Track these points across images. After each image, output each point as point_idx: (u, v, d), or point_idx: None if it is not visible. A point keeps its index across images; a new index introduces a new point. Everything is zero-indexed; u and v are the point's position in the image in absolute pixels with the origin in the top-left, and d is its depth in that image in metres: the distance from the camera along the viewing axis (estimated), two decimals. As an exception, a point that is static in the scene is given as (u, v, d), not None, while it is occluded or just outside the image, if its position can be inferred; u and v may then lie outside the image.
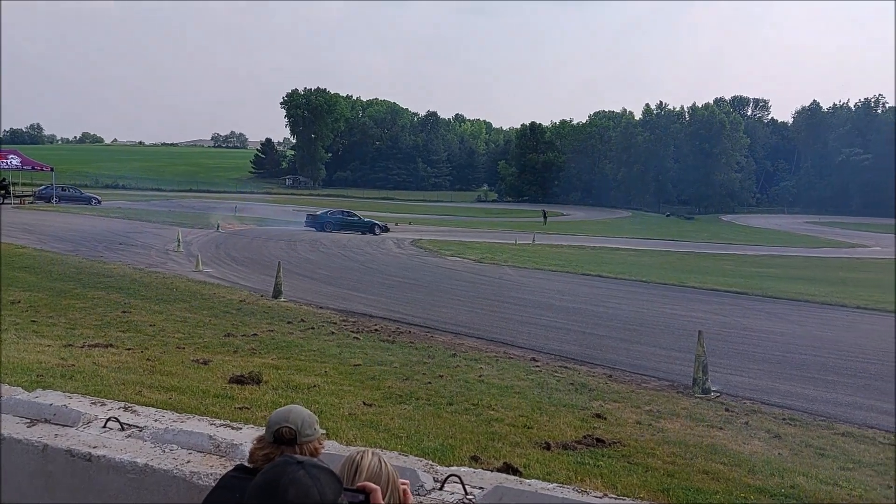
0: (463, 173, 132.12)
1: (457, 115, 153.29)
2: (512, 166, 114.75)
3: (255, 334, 11.44)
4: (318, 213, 42.68)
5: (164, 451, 3.82)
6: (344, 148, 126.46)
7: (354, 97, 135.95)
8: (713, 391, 9.28)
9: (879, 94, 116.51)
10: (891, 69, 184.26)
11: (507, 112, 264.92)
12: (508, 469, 5.12)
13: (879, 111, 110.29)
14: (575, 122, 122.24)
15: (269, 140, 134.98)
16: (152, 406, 5.08)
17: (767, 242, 53.83)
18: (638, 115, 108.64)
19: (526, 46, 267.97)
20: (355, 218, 42.47)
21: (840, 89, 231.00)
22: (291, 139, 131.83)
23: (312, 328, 12.42)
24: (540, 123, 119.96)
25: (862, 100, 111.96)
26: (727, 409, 8.28)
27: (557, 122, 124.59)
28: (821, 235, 63.78)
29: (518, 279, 22.37)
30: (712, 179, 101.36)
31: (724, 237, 57.95)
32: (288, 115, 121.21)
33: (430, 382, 8.71)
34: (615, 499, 3.15)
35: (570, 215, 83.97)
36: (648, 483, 5.20)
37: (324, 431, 2.16)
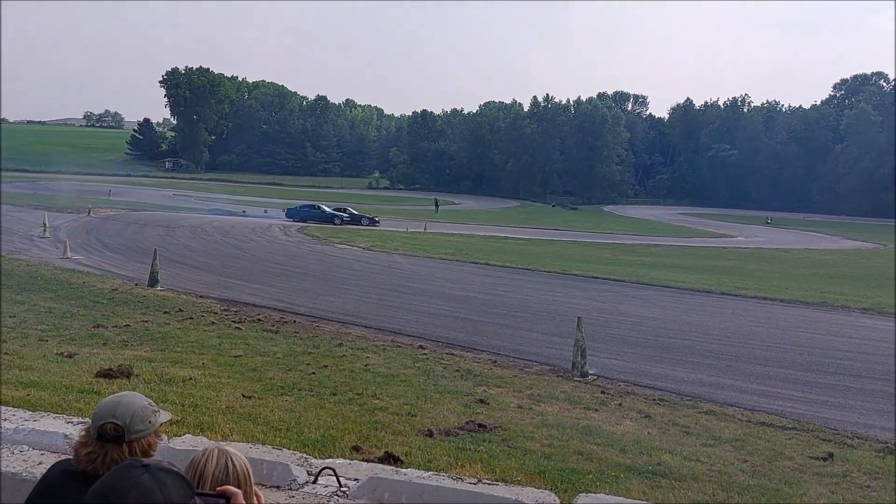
0: (354, 159, 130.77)
1: (347, 100, 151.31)
2: (403, 153, 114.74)
3: (128, 325, 10.84)
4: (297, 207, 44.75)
5: (14, 453, 3.52)
6: (229, 130, 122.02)
7: (240, 78, 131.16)
8: (591, 374, 9.66)
9: (745, 94, 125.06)
10: (755, 70, 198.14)
11: (399, 99, 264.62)
12: (389, 458, 5.10)
13: (745, 110, 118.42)
14: (466, 111, 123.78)
15: (147, 120, 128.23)
16: (6, 405, 4.68)
17: (644, 232, 56.77)
18: (526, 107, 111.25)
19: (416, 34, 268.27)
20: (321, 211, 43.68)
21: (711, 88, 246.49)
22: (172, 120, 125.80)
23: (191, 318, 11.91)
24: (431, 111, 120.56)
25: (730, 99, 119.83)
26: (603, 392, 8.63)
27: (449, 110, 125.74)
28: (691, 226, 67.94)
29: (408, 267, 22.42)
30: (595, 171, 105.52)
31: (604, 227, 60.57)
32: (168, 95, 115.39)
33: (314, 373, 8.56)
34: (489, 484, 3.20)
35: (462, 204, 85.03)
36: (526, 466, 5.33)
37: (166, 419, 1.96)
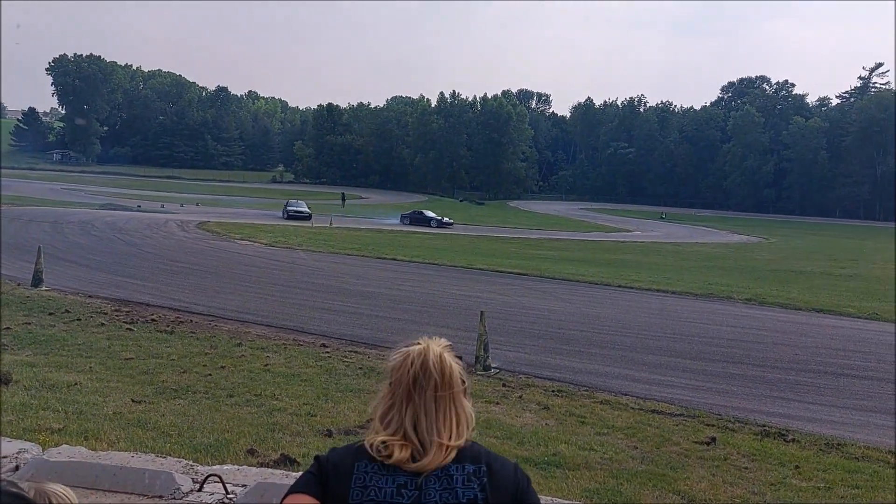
0: (257, 153, 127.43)
1: (250, 91, 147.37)
2: (309, 147, 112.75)
3: (8, 328, 10.12)
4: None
5: None
6: (122, 122, 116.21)
7: (134, 67, 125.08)
8: (493, 368, 9.82)
9: (642, 94, 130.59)
10: (651, 71, 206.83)
11: (304, 91, 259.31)
12: (286, 460, 5.00)
13: (641, 110, 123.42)
14: (373, 105, 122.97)
15: (32, 109, 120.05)
16: None
17: (548, 226, 58.29)
18: (434, 103, 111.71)
19: (320, 25, 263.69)
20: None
21: (610, 88, 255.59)
22: (60, 110, 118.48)
23: (79, 319, 11.26)
24: (337, 105, 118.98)
25: (627, 99, 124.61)
26: (504, 385, 8.79)
27: (355, 104, 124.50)
28: (592, 220, 70.32)
29: (312, 263, 22.07)
30: (501, 167, 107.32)
31: (510, 222, 61.74)
32: (55, 83, 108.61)
33: (210, 374, 8.28)
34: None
35: (369, 198, 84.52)
36: (425, 462, 5.35)
37: None
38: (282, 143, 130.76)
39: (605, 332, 13.38)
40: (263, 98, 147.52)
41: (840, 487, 5.62)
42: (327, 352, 10.21)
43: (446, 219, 51.72)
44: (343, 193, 75.79)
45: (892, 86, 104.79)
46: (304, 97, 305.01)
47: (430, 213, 53.14)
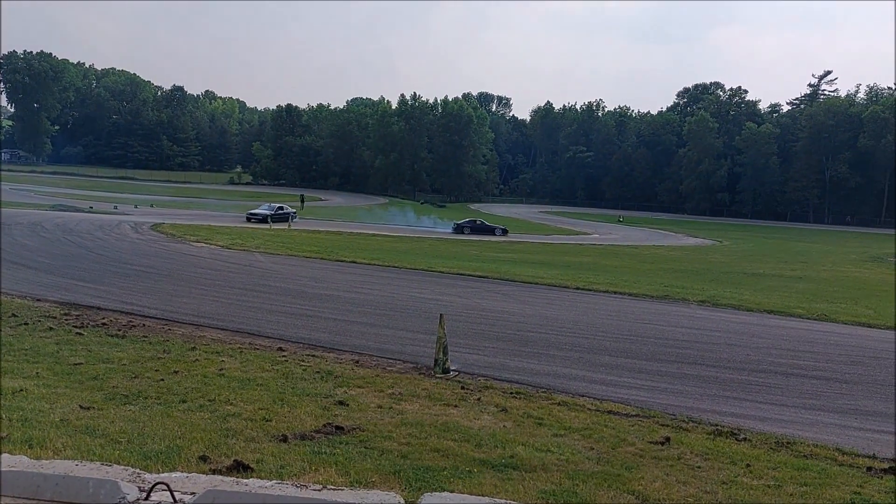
0: (214, 154, 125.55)
1: (207, 91, 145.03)
2: (267, 148, 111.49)
3: (-52, 334, 9.76)
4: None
5: None
6: (74, 121, 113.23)
7: (87, 65, 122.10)
8: (452, 370, 9.81)
9: (600, 99, 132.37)
10: (608, 76, 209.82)
11: (262, 92, 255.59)
12: (239, 466, 4.91)
13: (599, 114, 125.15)
14: (332, 106, 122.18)
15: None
16: None
17: (509, 229, 58.52)
18: (394, 105, 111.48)
19: (278, 24, 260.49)
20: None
21: (569, 93, 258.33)
22: (9, 108, 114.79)
23: (26, 324, 10.92)
24: (296, 106, 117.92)
25: (586, 103, 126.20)
26: (463, 387, 8.79)
27: (315, 105, 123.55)
28: (552, 223, 70.93)
29: (269, 266, 21.79)
30: (462, 170, 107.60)
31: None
32: (5, 81, 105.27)
33: (162, 379, 8.10)
34: (333, 489, 3.14)
35: (329, 200, 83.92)
36: (382, 466, 5.31)
37: None
38: (240, 144, 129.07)
39: (564, 333, 13.50)
40: (221, 98, 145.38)
41: (790, 485, 5.75)
42: (284, 355, 10.08)
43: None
44: (302, 195, 75.19)
45: (840, 93, 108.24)
46: (263, 97, 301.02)
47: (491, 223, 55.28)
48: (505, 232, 50.64)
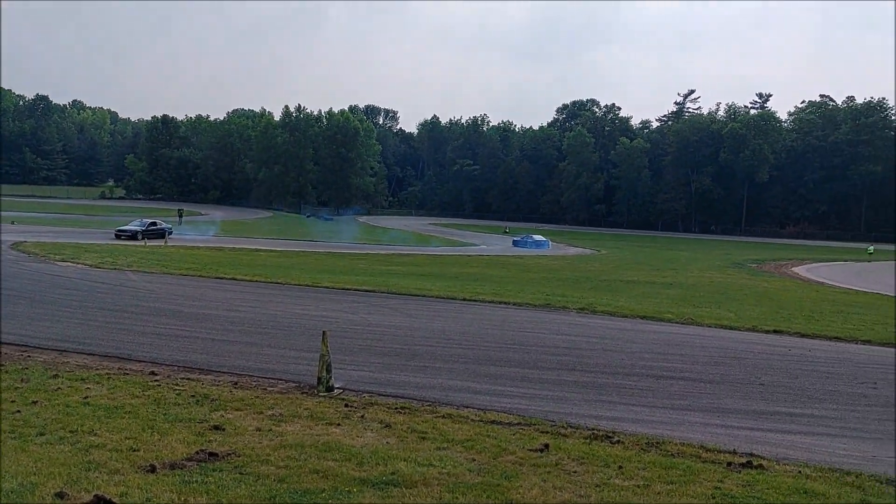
0: (83, 167, 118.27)
1: (75, 101, 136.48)
2: (142, 161, 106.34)
3: None
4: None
5: None
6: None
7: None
8: (337, 388, 9.64)
9: (485, 114, 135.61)
10: (492, 91, 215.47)
11: (136, 102, 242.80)
12: (100, 501, 4.59)
13: (485, 128, 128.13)
14: (212, 118, 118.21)
15: None
16: None
17: (397, 242, 58.67)
18: (277, 117, 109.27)
19: (153, 31, 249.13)
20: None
21: (455, 107, 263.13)
22: None
23: None
24: (173, 117, 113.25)
25: (471, 117, 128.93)
26: (347, 405, 8.65)
27: (193, 116, 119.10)
28: (440, 235, 71.71)
29: (143, 285, 20.66)
30: (349, 182, 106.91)
31: (359, 238, 61.48)
32: None
33: (19, 411, 7.48)
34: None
35: (209, 214, 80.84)
36: (257, 493, 5.13)
37: None
38: (112, 156, 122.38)
39: (450, 345, 13.60)
40: (90, 108, 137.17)
41: (657, 483, 6.04)
42: (157, 380, 9.56)
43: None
44: (180, 210, 72.12)
45: (703, 111, 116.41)
46: (137, 108, 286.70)
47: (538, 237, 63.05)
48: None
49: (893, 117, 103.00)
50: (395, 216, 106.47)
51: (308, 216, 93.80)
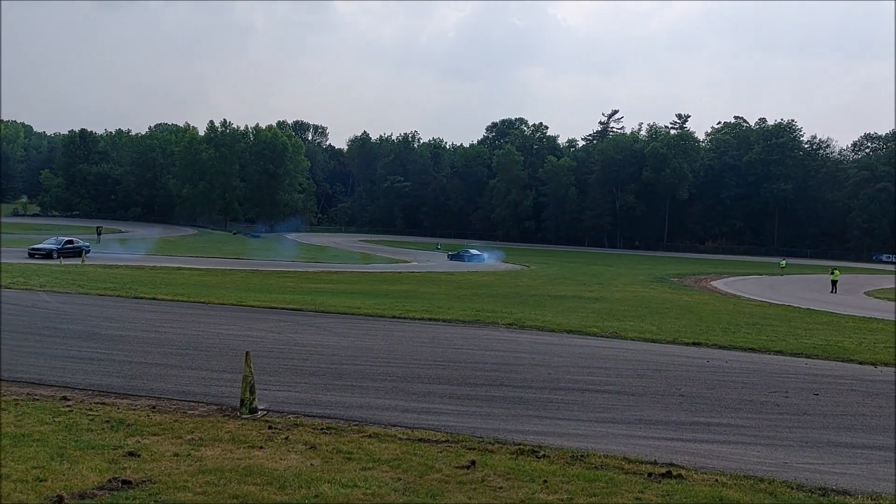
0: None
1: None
2: (58, 176, 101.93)
3: None
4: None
5: None
6: None
7: None
8: (261, 410, 9.41)
9: (415, 131, 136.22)
10: (423, 108, 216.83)
11: (52, 115, 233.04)
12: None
13: (415, 145, 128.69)
14: (133, 132, 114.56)
15: None
16: None
17: (327, 259, 58.02)
18: (202, 132, 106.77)
19: (71, 40, 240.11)
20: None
21: (385, 124, 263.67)
22: None
23: None
24: (92, 131, 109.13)
25: (402, 134, 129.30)
26: (271, 427, 8.44)
27: (113, 130, 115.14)
28: (371, 252, 71.33)
29: (57, 306, 19.71)
30: (277, 199, 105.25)
31: (287, 255, 60.50)
32: None
33: (-89, 444, 6.97)
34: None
35: (130, 232, 78.09)
36: (172, 521, 4.93)
37: None
38: (25, 172, 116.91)
39: (379, 364, 13.49)
40: (3, 122, 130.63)
41: (580, 496, 6.13)
42: (69, 405, 9.11)
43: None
44: (99, 227, 69.45)
45: (626, 130, 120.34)
46: (53, 122, 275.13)
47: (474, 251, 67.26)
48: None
49: (802, 138, 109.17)
50: (324, 233, 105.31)
51: (235, 233, 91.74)
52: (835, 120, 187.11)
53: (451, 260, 63.42)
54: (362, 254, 68.67)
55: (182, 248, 61.02)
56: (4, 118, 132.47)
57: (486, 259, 64.61)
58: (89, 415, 8.61)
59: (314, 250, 68.96)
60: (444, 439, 8.23)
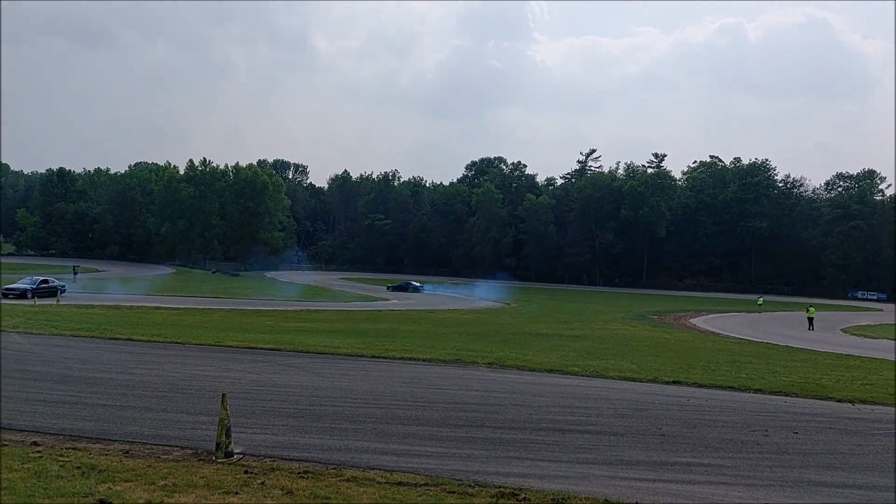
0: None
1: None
2: (35, 215, 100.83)
3: None
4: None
5: None
6: None
7: None
8: (237, 454, 9.23)
9: (396, 169, 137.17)
10: (403, 147, 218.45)
11: (30, 153, 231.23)
12: None
13: (396, 184, 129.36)
14: (112, 171, 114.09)
15: None
16: None
17: (307, 297, 57.63)
18: (182, 170, 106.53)
19: (51, 78, 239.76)
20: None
21: (365, 162, 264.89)
22: None
23: None
24: (70, 170, 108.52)
25: (382, 173, 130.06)
26: (247, 472, 8.28)
27: (92, 169, 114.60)
28: (351, 290, 71.03)
29: (29, 348, 19.32)
30: (257, 237, 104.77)
31: (267, 293, 60.03)
32: None
33: None
34: None
35: (107, 271, 77.16)
36: (142, 574, 4.78)
37: None
38: (1, 210, 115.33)
39: (358, 405, 13.33)
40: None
41: (561, 541, 6.04)
42: (39, 451, 8.88)
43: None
44: (75, 266, 68.62)
45: (604, 169, 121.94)
46: (30, 160, 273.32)
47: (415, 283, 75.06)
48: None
49: (776, 177, 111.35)
50: (305, 271, 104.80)
51: (213, 272, 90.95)
52: (809, 158, 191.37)
53: (391, 291, 71.38)
54: (318, 288, 68.40)
55: (187, 288, 60.32)
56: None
57: (425, 290, 72.97)
58: (60, 460, 8.40)
59: (308, 290, 68.58)
60: (423, 482, 8.12)
